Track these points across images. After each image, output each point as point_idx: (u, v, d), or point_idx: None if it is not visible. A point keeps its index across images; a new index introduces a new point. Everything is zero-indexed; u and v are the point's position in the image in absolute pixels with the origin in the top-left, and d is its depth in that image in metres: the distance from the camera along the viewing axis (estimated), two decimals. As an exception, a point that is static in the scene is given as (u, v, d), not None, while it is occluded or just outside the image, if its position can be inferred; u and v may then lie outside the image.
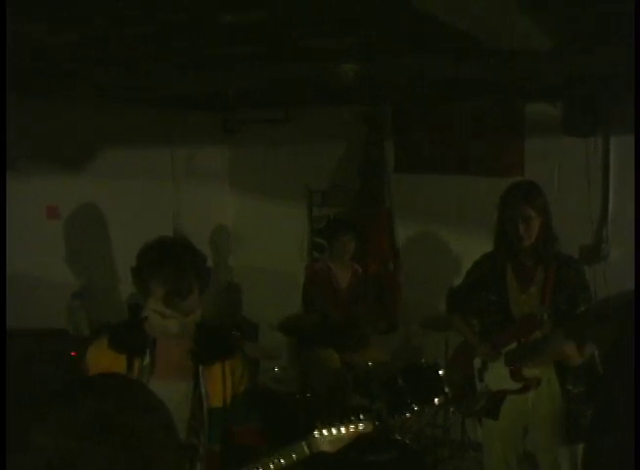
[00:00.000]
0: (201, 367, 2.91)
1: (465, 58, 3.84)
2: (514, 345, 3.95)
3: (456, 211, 6.59)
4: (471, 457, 5.63)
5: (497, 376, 4.01)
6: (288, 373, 5.89)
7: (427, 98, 6.31)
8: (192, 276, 2.76)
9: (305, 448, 2.85)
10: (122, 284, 6.37)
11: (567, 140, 6.05)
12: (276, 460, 2.81)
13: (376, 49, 3.60)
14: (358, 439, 2.94)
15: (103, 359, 2.87)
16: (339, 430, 2.88)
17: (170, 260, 2.75)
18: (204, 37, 3.29)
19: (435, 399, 5.21)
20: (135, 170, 6.61)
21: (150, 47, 3.51)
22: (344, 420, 2.90)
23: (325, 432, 2.87)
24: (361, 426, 2.91)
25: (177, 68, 4.25)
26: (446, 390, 4.89)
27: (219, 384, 2.92)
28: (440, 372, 5.13)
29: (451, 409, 5.61)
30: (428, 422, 5.90)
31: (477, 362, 4.12)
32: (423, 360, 5.88)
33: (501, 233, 4.05)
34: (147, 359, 2.86)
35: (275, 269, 6.72)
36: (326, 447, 2.87)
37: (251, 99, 6.38)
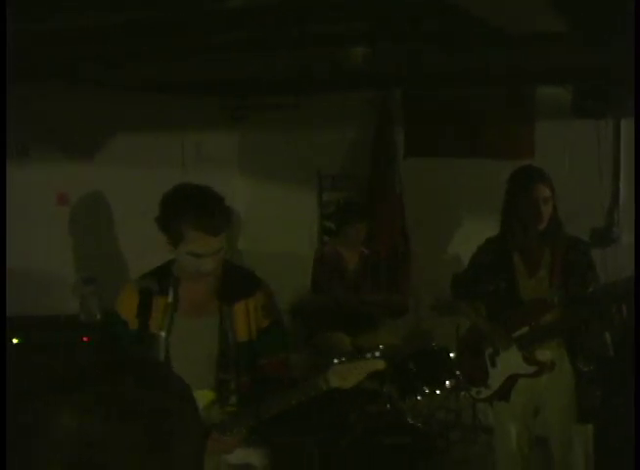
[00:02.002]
0: (225, 304, 3.09)
1: (477, 42, 3.83)
2: (525, 329, 3.94)
3: (466, 195, 6.58)
4: (482, 440, 5.64)
5: (510, 361, 4.00)
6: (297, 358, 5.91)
7: (436, 83, 6.29)
8: (219, 215, 2.95)
9: (322, 383, 2.93)
10: (132, 269, 6.40)
11: (577, 123, 6.03)
12: (291, 393, 2.96)
13: (385, 34, 3.60)
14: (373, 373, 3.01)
15: (131, 302, 3.09)
16: (353, 365, 2.94)
17: (198, 203, 2.95)
18: (213, 22, 3.29)
19: (447, 383, 5.22)
20: (145, 157, 6.62)
21: (159, 33, 3.51)
22: (359, 356, 2.98)
23: (340, 367, 2.93)
24: (374, 363, 2.98)
25: (186, 53, 4.25)
26: (457, 373, 4.89)
27: (244, 319, 3.10)
28: (451, 355, 5.13)
29: (462, 393, 5.62)
30: (439, 405, 5.91)
31: (488, 348, 4.11)
32: (433, 344, 5.89)
33: (510, 216, 4.03)
34: (171, 297, 3.06)
35: (285, 253, 6.73)
36: (341, 383, 2.94)
37: (261, 85, 6.37)
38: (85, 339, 5.60)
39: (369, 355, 2.97)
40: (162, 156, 6.81)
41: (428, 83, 6.34)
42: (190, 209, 2.93)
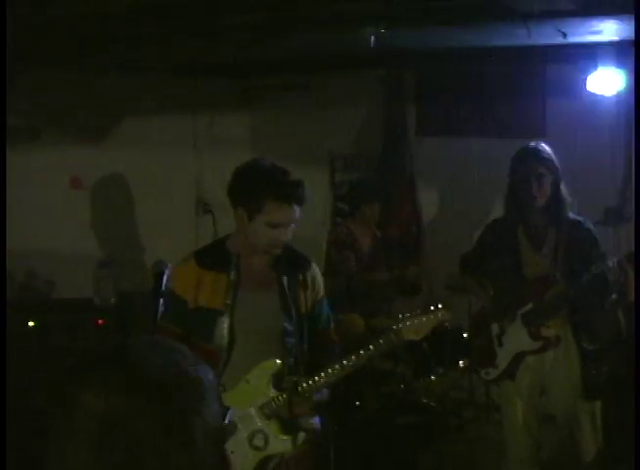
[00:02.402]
0: (285, 278, 3.16)
1: (488, 19, 3.82)
2: (530, 305, 3.96)
3: (478, 174, 6.57)
4: (495, 419, 5.65)
5: (516, 338, 4.02)
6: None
7: (448, 61, 6.26)
8: (300, 185, 3.02)
9: (393, 336, 3.07)
10: (148, 252, 6.43)
11: (589, 100, 6.00)
12: (367, 349, 3.06)
13: (397, 12, 3.59)
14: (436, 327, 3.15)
15: (191, 278, 3.10)
16: (420, 318, 3.08)
17: (279, 174, 3.01)
18: (225, 3, 3.29)
19: (460, 362, 5.24)
20: (157, 138, 6.63)
21: (170, 15, 3.51)
22: (425, 309, 3.10)
23: (408, 321, 3.06)
24: (440, 314, 3.10)
25: (199, 35, 4.25)
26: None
27: (302, 293, 3.19)
28: (465, 335, 5.15)
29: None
30: (452, 385, 5.93)
31: (495, 327, 4.13)
32: (447, 324, 5.90)
33: (513, 194, 4.06)
34: (233, 274, 3.10)
35: (297, 235, 6.73)
36: (411, 336, 3.09)
37: (273, 65, 6.36)
38: (100, 322, 5.64)
39: (433, 308, 3.09)
40: (175, 137, 6.82)
41: (439, 62, 6.31)
42: (272, 179, 2.99)
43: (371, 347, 3.06)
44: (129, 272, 6.28)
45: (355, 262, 5.99)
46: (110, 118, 6.42)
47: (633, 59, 4.22)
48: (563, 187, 4.02)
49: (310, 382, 3.01)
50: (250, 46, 4.74)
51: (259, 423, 3.04)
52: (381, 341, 3.07)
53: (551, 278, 3.95)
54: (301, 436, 3.08)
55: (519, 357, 4.03)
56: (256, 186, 3.00)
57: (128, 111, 6.48)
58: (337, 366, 3.04)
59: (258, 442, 3.03)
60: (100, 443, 1.14)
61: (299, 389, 2.99)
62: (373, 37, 4.34)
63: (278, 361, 3.07)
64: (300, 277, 3.19)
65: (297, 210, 3.02)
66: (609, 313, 3.98)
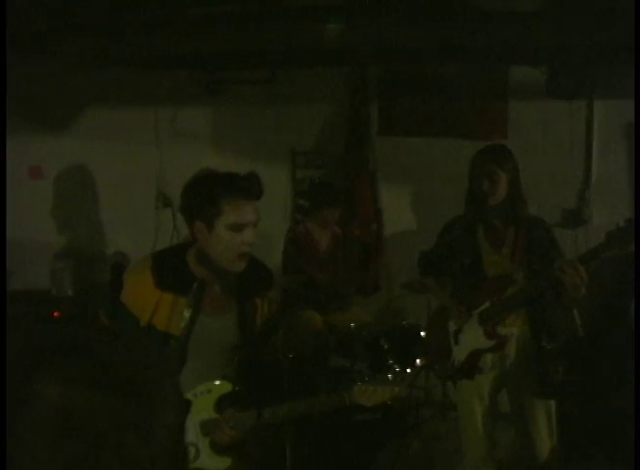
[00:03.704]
0: (245, 301, 3.12)
1: (450, 19, 3.83)
2: (487, 304, 3.99)
3: (439, 174, 6.60)
4: (452, 418, 5.69)
5: (472, 337, 4.04)
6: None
7: (412, 60, 6.28)
8: (253, 178, 2.96)
9: (346, 396, 3.10)
10: (107, 244, 6.39)
11: (551, 103, 6.05)
12: (318, 398, 3.14)
13: (361, 9, 3.59)
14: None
15: (146, 298, 2.98)
16: (377, 388, 3.11)
17: (228, 175, 2.95)
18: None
19: (417, 361, 5.26)
20: (119, 131, 6.58)
21: (134, 6, 3.48)
22: (385, 380, 3.21)
23: (364, 386, 3.09)
24: (397, 389, 3.13)
25: (162, 27, 4.22)
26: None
27: (260, 313, 3.16)
28: (422, 334, 5.17)
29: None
30: (409, 383, 5.94)
31: (452, 325, 4.15)
32: (405, 322, 5.92)
33: (470, 193, 4.10)
34: (194, 300, 3.00)
35: (257, 230, 6.71)
36: (363, 401, 3.11)
37: (237, 59, 6.33)
38: (56, 314, 5.59)
39: (392, 380, 3.20)
40: (137, 130, 6.77)
41: (404, 60, 6.33)
42: (224, 180, 2.93)
43: (321, 398, 3.11)
44: (88, 264, 6.23)
45: (313, 261, 5.99)
46: (72, 109, 6.35)
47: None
48: (521, 187, 4.05)
49: (254, 415, 3.01)
50: (214, 39, 4.72)
51: (195, 437, 3.03)
52: (333, 395, 3.10)
53: (510, 277, 3.98)
54: (229, 461, 3.08)
55: (474, 355, 4.06)
56: (210, 191, 2.90)
57: (91, 102, 6.42)
58: (284, 407, 3.04)
59: (188, 453, 3.01)
60: (55, 435, 1.12)
61: (242, 419, 3.00)
62: (338, 34, 4.35)
63: (228, 384, 3.06)
64: (259, 302, 3.15)
65: (256, 206, 2.95)
66: (566, 313, 4.02)
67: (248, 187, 2.92)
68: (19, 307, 5.54)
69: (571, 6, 3.45)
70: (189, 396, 3.02)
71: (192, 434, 3.02)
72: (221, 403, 3.05)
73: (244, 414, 3.01)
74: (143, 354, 1.24)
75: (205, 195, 2.91)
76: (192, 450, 3.01)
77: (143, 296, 2.98)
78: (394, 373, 5.16)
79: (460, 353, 4.09)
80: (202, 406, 3.03)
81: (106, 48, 5.32)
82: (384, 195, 6.93)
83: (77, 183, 6.46)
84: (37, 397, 1.13)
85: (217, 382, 3.06)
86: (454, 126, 6.56)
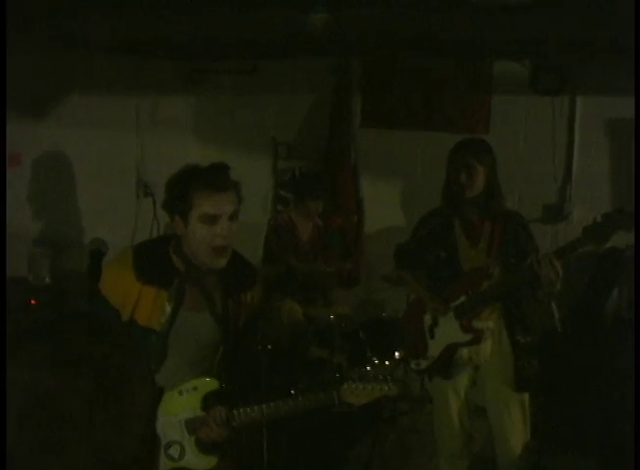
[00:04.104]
0: (229, 298, 3.07)
1: (435, 11, 3.82)
2: (462, 298, 3.99)
3: (421, 167, 6.61)
4: (429, 411, 5.71)
5: (447, 330, 4.04)
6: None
7: (395, 53, 6.27)
8: (222, 170, 2.93)
9: (335, 394, 3.03)
10: (86, 232, 6.35)
11: (533, 99, 6.06)
12: (306, 397, 3.04)
13: (347, 0, 3.57)
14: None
15: (127, 291, 2.93)
16: (367, 386, 3.04)
17: (200, 167, 2.92)
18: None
19: (396, 353, 5.26)
20: (100, 119, 6.53)
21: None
22: (375, 378, 3.08)
23: (354, 385, 3.03)
24: (387, 388, 3.06)
25: (144, 13, 4.19)
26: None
27: (244, 309, 3.12)
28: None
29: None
30: (387, 376, 5.95)
31: (427, 319, 4.15)
32: (384, 314, 5.92)
33: (447, 186, 4.10)
34: (176, 293, 2.96)
35: (238, 221, 6.69)
36: (352, 400, 3.04)
37: (219, 49, 6.30)
38: (33, 302, 5.55)
39: (381, 378, 3.07)
40: (117, 118, 6.72)
41: (388, 51, 6.32)
42: (195, 172, 2.90)
43: (310, 397, 3.03)
44: (66, 251, 6.19)
45: (295, 251, 5.99)
46: (51, 97, 6.30)
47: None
48: (498, 181, 4.05)
49: (241, 412, 2.97)
50: (196, 27, 4.69)
51: (180, 435, 2.99)
52: (322, 394, 3.04)
53: (486, 271, 3.98)
54: (215, 460, 3.03)
55: (450, 349, 4.06)
56: (183, 185, 2.89)
57: (72, 88, 6.37)
58: (272, 405, 2.99)
59: (173, 452, 2.98)
60: (27, 418, 1.13)
61: (225, 418, 2.96)
62: (322, 24, 4.33)
63: (214, 381, 3.02)
64: (243, 298, 3.12)
65: (227, 197, 2.90)
66: (541, 307, 4.03)
67: (214, 178, 2.88)
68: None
69: (555, 1, 3.45)
70: (174, 393, 2.98)
71: (177, 432, 2.99)
72: (208, 401, 3.00)
73: (232, 412, 2.97)
74: (116, 340, 1.24)
75: (180, 189, 2.90)
76: (177, 449, 2.98)
77: (124, 289, 2.94)
78: (373, 365, 5.16)
79: (436, 347, 4.09)
80: (187, 404, 2.99)
81: (87, 34, 5.27)
82: (365, 187, 6.93)
83: (55, 170, 6.41)
84: (9, 380, 1.13)
85: (204, 379, 3.02)
86: (437, 119, 6.56)
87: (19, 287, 5.70)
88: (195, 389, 3.00)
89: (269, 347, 5.32)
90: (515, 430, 4.08)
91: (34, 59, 5.84)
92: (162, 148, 6.94)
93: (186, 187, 2.87)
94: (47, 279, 5.89)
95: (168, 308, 2.95)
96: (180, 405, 2.98)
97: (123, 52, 6.35)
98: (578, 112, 6.05)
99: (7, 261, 5.58)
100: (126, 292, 2.93)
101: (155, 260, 3.02)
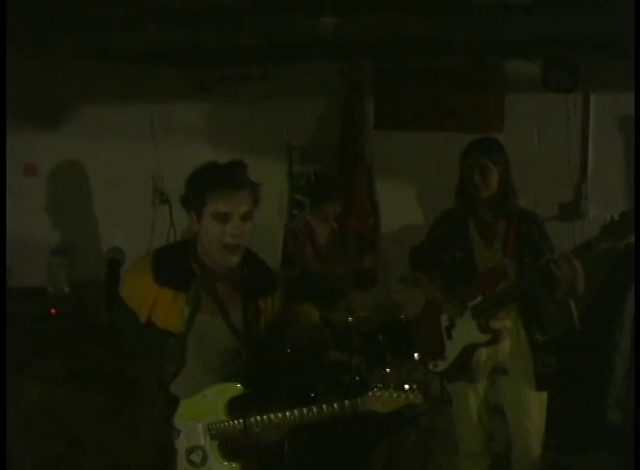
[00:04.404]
0: (248, 302, 3.06)
1: (445, 12, 3.82)
2: (479, 298, 3.98)
3: (435, 168, 6.60)
4: (449, 411, 5.70)
5: (465, 331, 4.03)
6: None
7: (408, 54, 6.27)
8: (238, 168, 2.94)
9: (359, 402, 2.98)
10: (104, 240, 6.37)
11: (547, 97, 6.05)
12: (330, 405, 2.97)
13: (355, 2, 3.58)
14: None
15: (145, 293, 2.94)
16: (392, 394, 3.00)
17: (217, 164, 2.95)
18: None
19: (415, 355, 5.25)
20: (114, 127, 6.56)
21: (129, 1, 3.47)
22: (399, 386, 3.02)
23: (379, 393, 2.98)
24: (413, 396, 3.01)
25: (156, 22, 4.21)
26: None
27: (264, 315, 3.11)
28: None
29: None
30: (407, 377, 5.94)
31: (444, 320, 4.14)
32: (402, 316, 5.92)
33: (461, 186, 4.09)
34: (194, 296, 2.95)
35: (254, 226, 6.70)
36: (378, 407, 3.00)
37: (231, 55, 6.32)
38: (53, 311, 5.57)
39: (407, 388, 3.02)
40: (132, 127, 6.75)
41: (399, 54, 6.32)
42: (211, 169, 2.93)
43: (335, 405, 2.97)
44: (84, 261, 6.22)
45: (312, 254, 6.00)
46: (67, 106, 6.34)
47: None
48: (512, 181, 4.04)
49: (265, 419, 2.95)
50: (208, 34, 4.71)
51: (203, 440, 2.97)
52: (347, 402, 2.99)
53: (502, 271, 3.97)
54: (238, 466, 3.00)
55: (468, 350, 4.05)
56: (200, 181, 2.90)
57: (86, 98, 6.40)
58: (295, 412, 2.96)
59: (195, 457, 2.97)
60: (41, 431, 1.12)
61: (252, 423, 2.94)
62: (332, 27, 4.34)
63: (239, 386, 2.99)
64: (262, 305, 3.10)
65: (241, 196, 2.89)
66: (559, 306, 4.01)
67: (229, 176, 2.89)
68: (14, 305, 5.53)
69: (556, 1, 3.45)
70: (198, 397, 2.97)
71: (199, 437, 2.97)
72: (231, 406, 2.98)
73: (255, 419, 2.95)
74: (129, 350, 1.23)
75: (195, 185, 2.92)
76: (199, 454, 2.96)
77: (142, 291, 2.94)
78: (392, 367, 5.15)
79: (454, 348, 4.08)
80: (211, 409, 2.97)
81: (100, 44, 5.30)
82: (380, 189, 6.93)
83: (73, 180, 6.45)
84: (21, 395, 1.13)
85: (228, 384, 2.99)
86: (451, 120, 6.56)
87: (39, 297, 5.73)
88: (219, 393, 2.98)
89: (288, 350, 5.35)
90: (533, 429, 4.07)
91: (50, 70, 5.88)
92: (177, 155, 6.95)
93: (202, 183, 2.89)
94: (66, 288, 5.92)
95: (186, 311, 2.94)
96: (204, 410, 2.97)
97: (136, 61, 6.38)
98: (592, 109, 6.03)
99: (27, 272, 5.62)
100: (144, 294, 2.94)
101: (173, 263, 3.02)
